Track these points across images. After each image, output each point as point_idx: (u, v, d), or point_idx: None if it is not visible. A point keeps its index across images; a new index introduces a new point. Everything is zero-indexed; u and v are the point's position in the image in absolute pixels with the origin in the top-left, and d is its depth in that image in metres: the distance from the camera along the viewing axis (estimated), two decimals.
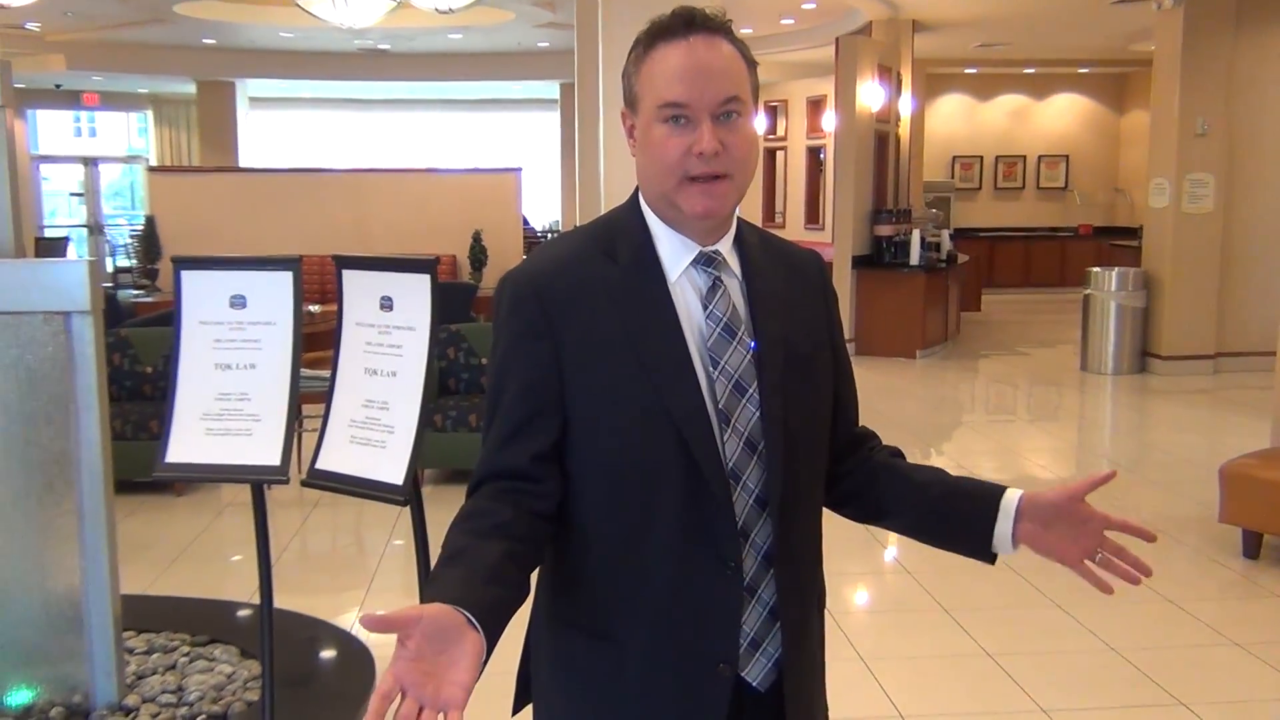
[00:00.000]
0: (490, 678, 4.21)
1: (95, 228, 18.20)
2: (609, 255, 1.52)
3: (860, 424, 1.75)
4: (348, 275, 2.65)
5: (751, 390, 1.50)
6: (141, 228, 12.45)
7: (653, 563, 1.49)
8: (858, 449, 1.70)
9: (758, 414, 1.50)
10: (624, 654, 1.50)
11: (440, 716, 1.16)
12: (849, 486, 1.69)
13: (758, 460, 1.50)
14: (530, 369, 1.48)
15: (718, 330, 1.50)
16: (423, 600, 1.26)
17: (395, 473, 2.53)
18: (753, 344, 1.52)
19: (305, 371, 2.90)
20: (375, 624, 1.17)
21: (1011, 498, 1.59)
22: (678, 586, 1.48)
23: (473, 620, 1.23)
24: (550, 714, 1.62)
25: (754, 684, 1.53)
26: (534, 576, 1.64)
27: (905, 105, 12.61)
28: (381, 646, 4.00)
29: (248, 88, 18.08)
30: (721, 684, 1.50)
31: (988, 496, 1.60)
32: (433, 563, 2.75)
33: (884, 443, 1.75)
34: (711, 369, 1.49)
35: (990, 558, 1.63)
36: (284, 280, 2.78)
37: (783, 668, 1.55)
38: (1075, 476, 7.11)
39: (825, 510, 1.68)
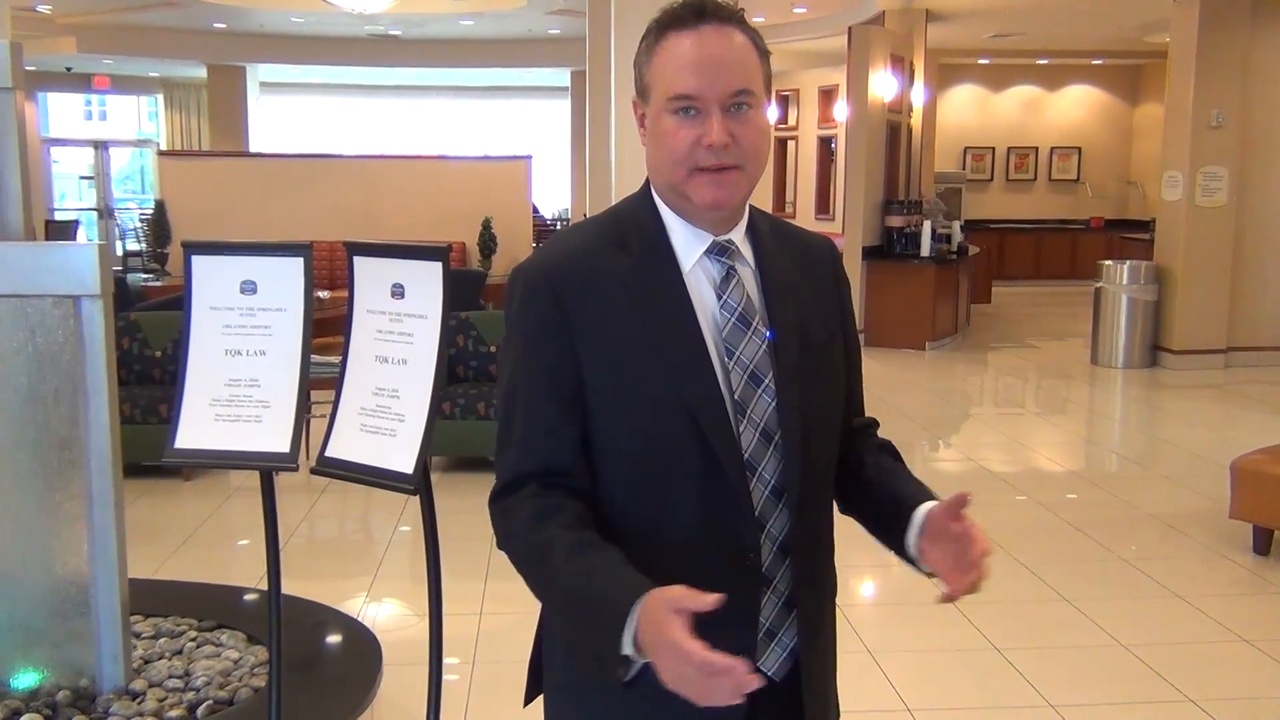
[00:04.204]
0: (502, 666, 4.17)
1: (105, 211, 18.23)
2: (621, 246, 1.51)
3: (866, 414, 1.73)
4: (359, 262, 2.63)
5: (767, 380, 1.49)
6: (151, 211, 12.47)
7: (671, 553, 1.48)
8: (854, 439, 1.68)
9: (773, 404, 1.49)
10: None
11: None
12: (837, 477, 1.67)
13: (774, 450, 1.49)
14: (552, 362, 1.48)
15: (732, 320, 1.49)
16: (595, 579, 1.38)
17: (405, 462, 2.51)
18: (768, 333, 1.51)
19: (315, 358, 2.89)
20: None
21: (920, 511, 1.50)
22: (696, 576, 1.47)
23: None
24: (565, 704, 1.61)
25: (769, 674, 1.52)
26: None
27: (918, 95, 12.55)
28: (388, 634, 4.00)
29: (258, 72, 18.08)
30: None
31: (906, 508, 1.53)
32: (442, 551, 2.75)
33: (879, 435, 1.73)
34: (727, 359, 1.48)
35: (925, 571, 1.52)
36: (294, 266, 2.76)
37: (799, 658, 1.54)
38: (1084, 470, 7.09)
39: None
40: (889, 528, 1.56)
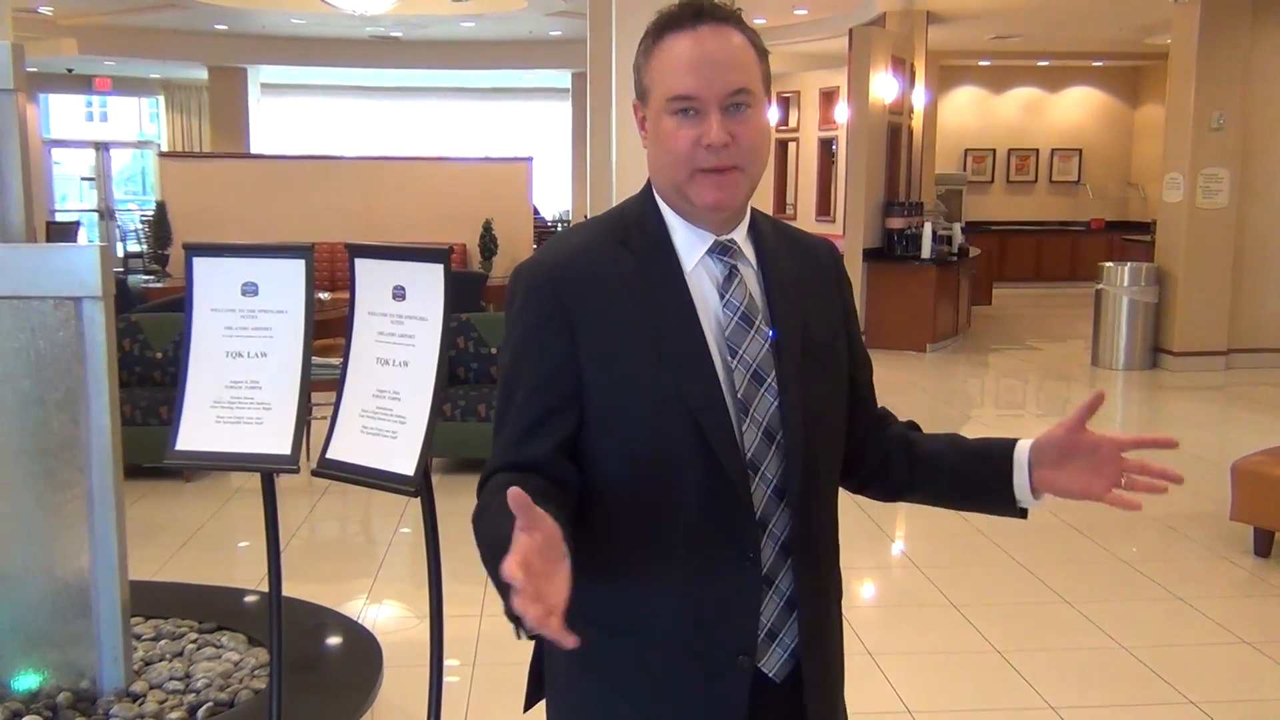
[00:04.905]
0: (502, 667, 4.16)
1: (106, 212, 18.23)
2: (624, 245, 1.52)
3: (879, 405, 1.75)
4: (360, 264, 2.64)
5: (770, 379, 1.49)
6: (152, 213, 12.47)
7: (672, 554, 1.48)
8: (876, 431, 1.70)
9: (776, 403, 1.49)
10: (644, 647, 1.49)
11: (546, 617, 1.16)
12: (870, 468, 1.69)
13: (776, 450, 1.49)
14: (548, 360, 1.47)
15: (735, 319, 1.49)
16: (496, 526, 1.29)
17: (406, 464, 2.51)
18: (771, 333, 1.51)
19: (316, 360, 2.89)
20: (518, 499, 1.16)
21: (1023, 448, 1.57)
22: (697, 578, 1.48)
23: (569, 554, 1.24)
24: (567, 709, 1.60)
25: (770, 675, 1.52)
26: None
27: (918, 97, 12.55)
28: (388, 635, 4.00)
29: (259, 74, 18.08)
30: (741, 676, 1.49)
31: (1001, 453, 1.58)
32: (443, 553, 2.75)
33: (899, 418, 1.75)
34: (730, 358, 1.48)
35: (1018, 512, 1.60)
36: (296, 268, 2.77)
37: (800, 659, 1.54)
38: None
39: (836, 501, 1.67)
40: (983, 482, 1.60)
